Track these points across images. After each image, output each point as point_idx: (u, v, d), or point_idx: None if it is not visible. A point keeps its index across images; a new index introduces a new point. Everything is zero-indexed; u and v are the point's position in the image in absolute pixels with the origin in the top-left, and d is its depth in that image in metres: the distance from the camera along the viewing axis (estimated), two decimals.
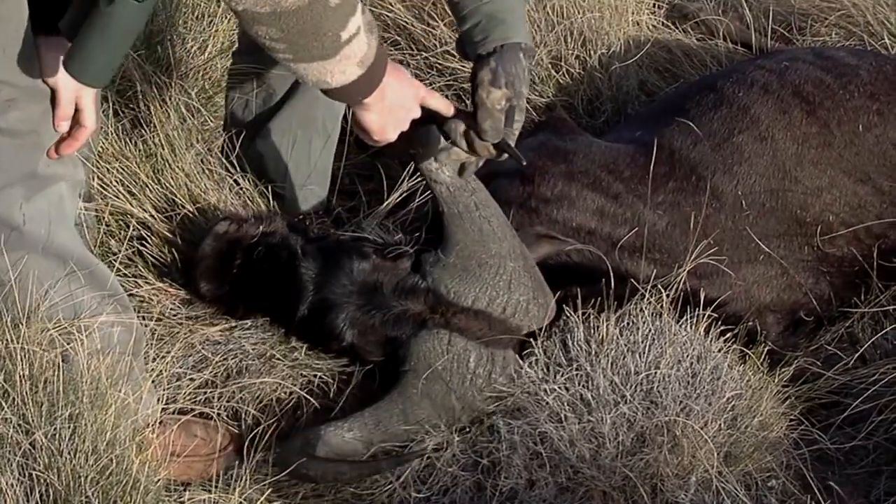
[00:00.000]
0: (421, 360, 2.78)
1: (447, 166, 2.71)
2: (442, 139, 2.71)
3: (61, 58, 2.34)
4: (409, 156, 2.85)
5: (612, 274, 2.88)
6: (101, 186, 3.23)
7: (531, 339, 2.85)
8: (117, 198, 3.22)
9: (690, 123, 3.23)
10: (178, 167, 3.30)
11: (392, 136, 2.56)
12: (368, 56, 2.29)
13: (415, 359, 2.79)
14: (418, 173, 2.97)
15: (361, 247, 2.90)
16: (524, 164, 2.73)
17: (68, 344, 2.49)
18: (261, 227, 2.99)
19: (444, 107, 2.64)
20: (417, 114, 2.58)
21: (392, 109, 2.49)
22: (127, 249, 3.18)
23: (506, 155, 2.71)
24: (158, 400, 2.70)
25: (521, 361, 2.82)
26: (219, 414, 2.89)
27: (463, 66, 3.97)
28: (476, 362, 2.79)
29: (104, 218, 3.21)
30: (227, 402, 2.92)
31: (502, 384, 2.79)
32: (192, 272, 3.03)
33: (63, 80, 2.39)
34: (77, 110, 2.46)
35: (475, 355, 2.79)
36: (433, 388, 2.78)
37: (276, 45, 2.20)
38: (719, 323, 2.87)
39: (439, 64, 4.06)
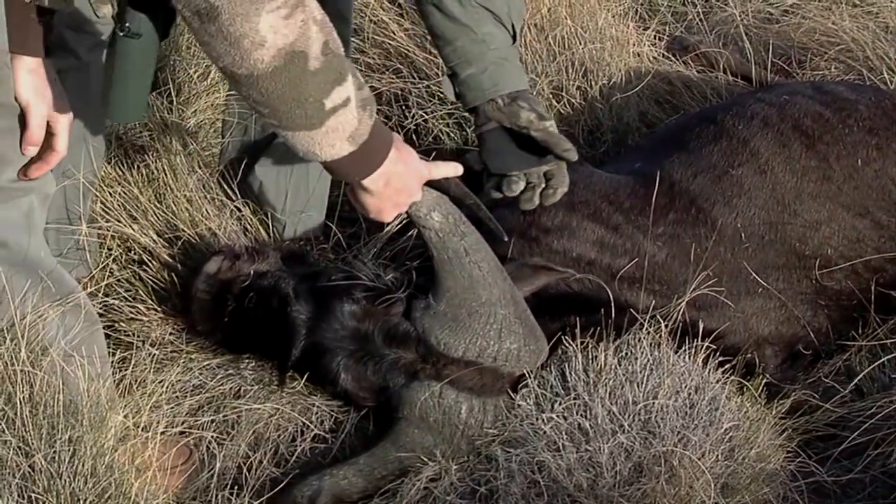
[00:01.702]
0: (413, 411, 2.79)
1: (436, 211, 2.70)
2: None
3: (35, 79, 2.33)
4: None
5: (611, 304, 2.89)
6: (104, 210, 3.25)
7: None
8: (119, 222, 3.24)
9: (690, 156, 3.25)
10: (179, 192, 3.31)
11: (389, 219, 2.55)
12: (360, 133, 2.25)
13: (407, 409, 2.80)
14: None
15: (352, 292, 2.90)
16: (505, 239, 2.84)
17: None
18: (253, 266, 3.01)
19: (452, 170, 2.65)
20: (419, 197, 2.57)
21: (393, 195, 2.46)
22: (128, 273, 3.19)
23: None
24: (158, 423, 2.71)
25: (514, 395, 2.83)
26: (214, 438, 2.90)
27: None
28: (467, 414, 2.79)
29: (106, 242, 3.23)
30: (223, 425, 2.93)
31: (493, 432, 2.81)
32: (187, 309, 3.06)
33: (35, 105, 2.36)
34: (50, 134, 2.42)
35: (466, 407, 2.79)
36: (426, 438, 2.80)
37: (261, 109, 2.17)
38: (717, 354, 2.88)
39: (441, 92, 4.06)
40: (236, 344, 3.05)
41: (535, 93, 4.00)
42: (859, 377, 2.99)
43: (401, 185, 2.46)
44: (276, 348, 2.95)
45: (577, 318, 2.90)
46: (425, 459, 2.77)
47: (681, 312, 2.89)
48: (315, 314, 2.90)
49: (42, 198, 2.57)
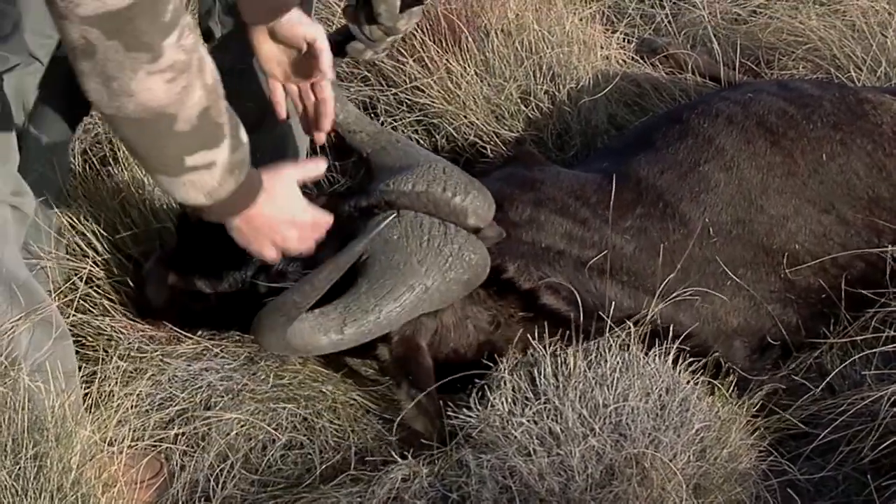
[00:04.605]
0: (376, 240, 2.80)
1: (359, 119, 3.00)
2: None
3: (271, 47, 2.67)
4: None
5: (580, 307, 2.89)
6: (70, 224, 3.23)
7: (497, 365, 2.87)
8: (85, 236, 3.22)
9: (657, 154, 3.25)
10: (145, 206, 3.30)
11: (270, 253, 2.48)
12: (218, 193, 2.21)
13: (368, 241, 2.79)
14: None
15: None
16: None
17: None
18: None
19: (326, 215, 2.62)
20: (294, 237, 2.50)
21: (259, 233, 2.42)
22: (94, 288, 3.18)
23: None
24: (125, 437, 2.69)
25: (489, 394, 2.82)
26: (185, 452, 2.88)
27: (432, 102, 3.99)
28: (430, 225, 2.84)
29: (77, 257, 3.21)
30: (193, 437, 2.92)
31: (469, 258, 2.84)
32: (140, 294, 3.09)
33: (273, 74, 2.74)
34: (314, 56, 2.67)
35: (427, 220, 2.86)
36: (394, 258, 2.79)
37: (126, 144, 2.15)
38: (687, 353, 2.87)
39: (409, 100, 4.08)
40: (191, 319, 3.08)
41: (503, 98, 4.01)
42: (831, 375, 2.99)
43: (267, 226, 2.41)
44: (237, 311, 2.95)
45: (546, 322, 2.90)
46: (396, 457, 2.77)
47: (651, 316, 2.91)
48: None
49: (19, 216, 2.58)
